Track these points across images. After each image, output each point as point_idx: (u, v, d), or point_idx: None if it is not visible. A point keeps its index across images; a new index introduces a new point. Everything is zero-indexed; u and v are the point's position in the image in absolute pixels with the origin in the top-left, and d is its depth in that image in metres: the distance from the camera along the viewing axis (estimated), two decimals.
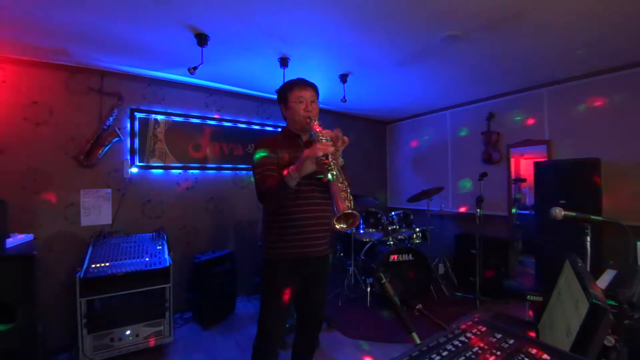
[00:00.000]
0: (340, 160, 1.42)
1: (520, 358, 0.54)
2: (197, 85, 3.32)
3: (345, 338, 2.68)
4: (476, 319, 0.69)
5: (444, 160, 4.41)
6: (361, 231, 3.56)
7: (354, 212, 1.20)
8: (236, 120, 3.65)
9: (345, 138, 1.39)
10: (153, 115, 3.08)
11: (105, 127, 2.78)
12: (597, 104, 2.99)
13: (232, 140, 3.60)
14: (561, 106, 3.24)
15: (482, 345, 0.59)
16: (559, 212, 1.55)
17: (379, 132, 5.33)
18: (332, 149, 1.30)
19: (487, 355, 0.55)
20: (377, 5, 1.89)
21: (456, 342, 0.60)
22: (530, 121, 3.49)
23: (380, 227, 3.56)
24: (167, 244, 2.68)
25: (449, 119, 4.37)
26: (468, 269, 3.55)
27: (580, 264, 1.14)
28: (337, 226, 1.23)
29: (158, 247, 2.60)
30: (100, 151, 2.74)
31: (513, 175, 3.76)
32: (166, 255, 2.52)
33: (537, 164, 3.12)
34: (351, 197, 1.27)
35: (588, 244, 1.61)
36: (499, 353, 0.56)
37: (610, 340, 0.77)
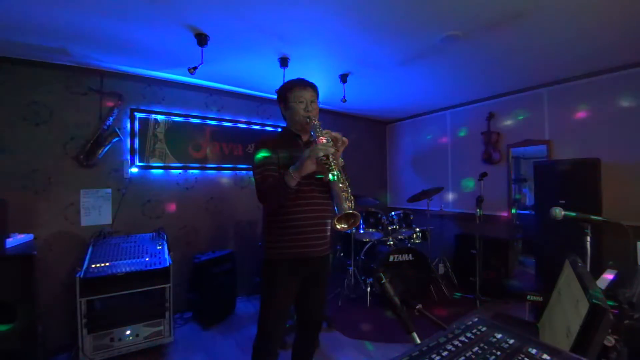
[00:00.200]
0: (341, 160, 1.42)
1: (520, 358, 0.54)
2: (197, 85, 3.32)
3: (345, 338, 2.69)
4: (476, 319, 0.69)
5: (444, 160, 4.41)
6: (361, 231, 3.56)
7: (355, 212, 1.21)
8: (236, 120, 3.65)
9: (345, 139, 1.39)
10: (153, 115, 3.08)
11: (105, 127, 2.78)
12: (597, 104, 2.99)
13: (232, 140, 3.60)
14: (561, 106, 3.24)
15: (482, 345, 0.59)
16: (559, 212, 1.55)
17: (379, 132, 5.33)
18: (332, 149, 1.30)
19: (487, 356, 0.55)
20: (377, 4, 1.89)
21: (456, 342, 0.60)
22: (531, 121, 3.49)
23: (380, 227, 3.56)
24: (167, 244, 2.68)
25: (449, 119, 4.37)
26: (468, 269, 3.55)
27: (580, 264, 1.14)
28: (338, 226, 1.23)
29: (158, 247, 2.60)
30: (100, 151, 2.74)
31: (513, 175, 3.76)
32: (166, 255, 2.52)
33: (537, 164, 3.12)
34: (352, 197, 1.27)
35: (588, 244, 1.61)
36: (499, 353, 0.56)
37: (610, 340, 0.77)
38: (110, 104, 2.83)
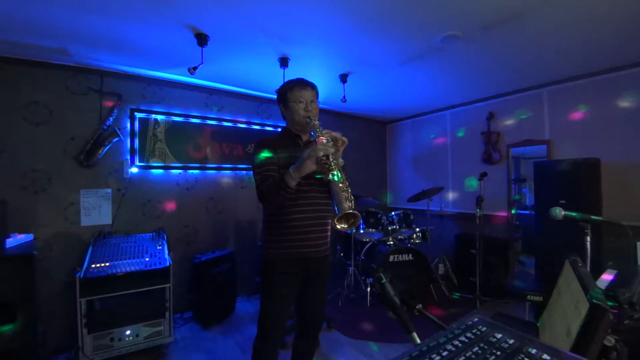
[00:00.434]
0: (341, 160, 1.42)
1: (520, 358, 0.54)
2: (197, 85, 3.32)
3: (345, 338, 2.69)
4: (476, 319, 0.69)
5: (444, 160, 4.41)
6: (361, 231, 3.56)
7: (355, 212, 1.21)
8: (236, 120, 3.65)
9: (345, 139, 1.39)
10: (153, 115, 3.08)
11: (105, 127, 2.78)
12: (597, 104, 2.99)
13: (232, 140, 3.60)
14: (561, 106, 3.24)
15: (482, 345, 0.59)
16: (559, 212, 1.55)
17: (379, 132, 5.33)
18: (332, 149, 1.30)
19: (487, 355, 0.55)
20: (377, 4, 1.89)
21: (456, 342, 0.60)
22: (531, 121, 3.49)
23: (380, 227, 3.56)
24: (167, 244, 2.68)
25: (449, 119, 4.37)
26: (468, 269, 3.55)
27: (580, 264, 1.14)
28: (338, 226, 1.23)
29: (158, 247, 2.60)
30: (100, 151, 2.74)
31: (513, 175, 3.76)
32: (166, 255, 2.52)
33: (537, 164, 3.12)
34: (352, 197, 1.27)
35: (588, 244, 1.61)
36: (499, 353, 0.56)
37: (610, 340, 0.77)
38: (110, 104, 2.83)
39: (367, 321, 2.96)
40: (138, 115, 2.99)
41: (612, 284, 1.33)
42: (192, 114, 3.33)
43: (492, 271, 3.42)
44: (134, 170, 2.97)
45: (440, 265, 4.00)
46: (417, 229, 3.72)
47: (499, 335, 0.62)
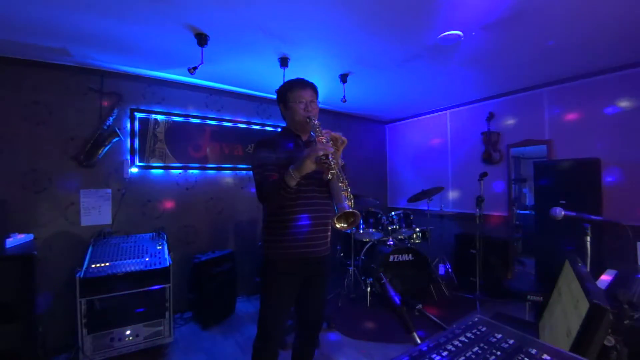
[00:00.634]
0: (340, 160, 1.42)
1: (520, 358, 0.54)
2: (197, 85, 3.32)
3: (345, 338, 2.68)
4: (476, 319, 0.69)
5: (444, 160, 4.41)
6: (361, 231, 3.56)
7: (354, 211, 1.21)
8: (236, 120, 3.65)
9: (345, 138, 1.39)
10: (153, 115, 3.08)
11: (105, 127, 2.78)
12: (597, 104, 2.99)
13: (232, 140, 3.60)
14: (561, 106, 3.24)
15: (482, 345, 0.59)
16: (559, 212, 1.55)
17: (379, 132, 5.33)
18: (332, 149, 1.30)
19: (487, 355, 0.55)
20: (377, 4, 1.89)
21: (456, 342, 0.60)
22: (531, 121, 3.49)
23: (380, 227, 3.56)
24: (167, 244, 2.68)
25: (449, 119, 4.37)
26: (468, 269, 3.55)
27: (580, 264, 1.14)
28: (338, 225, 1.23)
29: (158, 247, 2.60)
30: (100, 151, 2.74)
31: (513, 175, 3.76)
32: (166, 255, 2.52)
33: (537, 164, 3.12)
34: (352, 197, 1.27)
35: (588, 244, 1.61)
36: (499, 353, 0.56)
37: (610, 340, 0.77)
38: (110, 104, 2.83)
39: (367, 321, 2.96)
40: (138, 115, 2.99)
41: (612, 284, 1.33)
42: (192, 114, 3.33)
43: (492, 271, 3.42)
44: (134, 170, 2.97)
45: (441, 265, 4.00)
46: (417, 229, 3.72)
47: (499, 335, 0.62)
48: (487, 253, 3.43)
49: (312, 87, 1.55)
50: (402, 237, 3.69)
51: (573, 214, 1.56)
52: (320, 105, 1.66)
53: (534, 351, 0.55)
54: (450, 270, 3.94)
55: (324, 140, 1.33)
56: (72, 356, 2.30)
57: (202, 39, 2.24)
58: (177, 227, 3.19)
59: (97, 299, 2.20)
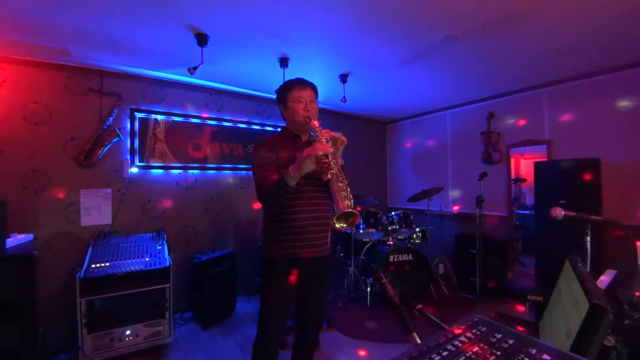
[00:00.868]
0: (340, 160, 1.42)
1: (520, 358, 0.54)
2: (197, 85, 3.32)
3: (345, 338, 2.68)
4: (476, 319, 0.69)
5: (444, 160, 4.41)
6: (361, 231, 3.56)
7: (354, 211, 1.21)
8: (236, 120, 3.65)
9: (344, 138, 1.39)
10: (153, 115, 3.08)
11: (105, 127, 2.78)
12: (597, 104, 2.99)
13: (232, 140, 3.60)
14: (561, 106, 3.24)
15: (482, 345, 0.59)
16: (559, 212, 1.55)
17: (379, 132, 5.33)
18: (332, 149, 1.30)
19: (487, 356, 0.55)
20: (377, 4, 1.89)
21: (456, 342, 0.60)
22: (531, 121, 3.49)
23: (380, 227, 3.56)
24: (167, 244, 2.68)
25: (449, 119, 4.37)
26: (468, 269, 3.55)
27: (580, 264, 1.14)
28: (337, 225, 1.23)
29: (158, 247, 2.60)
30: (100, 151, 2.74)
31: (513, 175, 3.76)
32: (166, 255, 2.52)
33: (537, 164, 3.12)
34: (351, 197, 1.27)
35: (588, 244, 1.61)
36: (499, 353, 0.56)
37: (610, 340, 0.77)
38: (110, 104, 2.83)
39: (367, 321, 2.96)
40: (138, 115, 2.99)
41: (612, 284, 1.33)
42: (192, 114, 3.33)
43: (492, 271, 3.42)
44: (134, 170, 2.97)
45: (440, 265, 4.00)
46: (417, 229, 3.72)
47: (499, 335, 0.62)
48: (487, 253, 3.43)
49: (312, 87, 1.55)
50: (402, 237, 3.69)
51: (573, 214, 1.56)
52: (320, 105, 1.67)
53: (534, 351, 0.55)
54: (450, 270, 3.94)
55: (323, 140, 1.33)
56: (72, 356, 2.30)
57: (202, 39, 2.24)
58: (177, 227, 3.19)
59: (97, 299, 2.21)
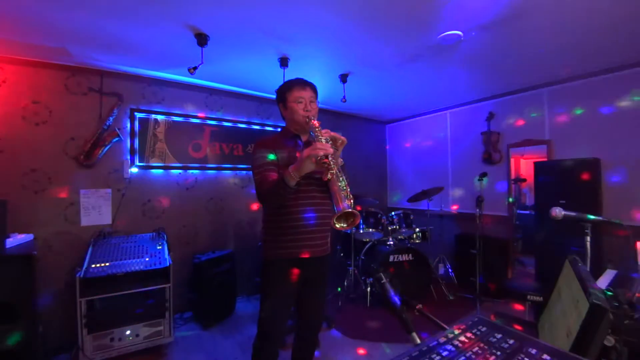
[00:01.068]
0: (340, 160, 1.42)
1: (520, 358, 0.54)
2: (197, 85, 3.32)
3: (345, 338, 2.68)
4: (476, 319, 0.69)
5: (444, 160, 4.41)
6: (361, 231, 3.56)
7: (353, 211, 1.21)
8: (236, 120, 3.65)
9: (344, 138, 1.39)
10: (153, 115, 3.08)
11: (105, 127, 2.78)
12: (598, 104, 2.99)
13: (232, 140, 3.60)
14: (561, 106, 3.24)
15: (482, 345, 0.59)
16: (559, 212, 1.55)
17: (379, 132, 5.33)
18: (332, 149, 1.30)
19: (487, 355, 0.55)
20: (377, 4, 1.89)
21: (456, 342, 0.60)
22: (530, 121, 3.49)
23: (380, 227, 3.56)
24: (167, 244, 2.68)
25: (449, 119, 4.37)
26: (468, 269, 3.55)
27: (580, 264, 1.14)
28: (337, 225, 1.23)
29: (158, 247, 2.60)
30: (100, 151, 2.74)
31: (513, 175, 3.76)
32: (166, 255, 2.52)
33: (537, 164, 3.12)
34: (351, 196, 1.27)
35: (588, 244, 1.61)
36: (499, 353, 0.56)
37: (610, 340, 0.77)
38: (110, 104, 2.83)
39: (367, 321, 2.96)
40: (138, 115, 2.99)
41: (612, 284, 1.33)
42: (192, 114, 3.33)
43: (492, 271, 3.42)
44: (134, 170, 2.97)
45: (440, 265, 4.01)
46: (417, 229, 3.72)
47: (499, 335, 0.62)
48: (487, 253, 3.43)
49: (312, 87, 1.55)
50: (402, 237, 3.69)
51: (573, 214, 1.56)
52: (320, 105, 1.67)
53: (534, 351, 0.55)
54: (450, 270, 3.94)
55: (323, 140, 1.33)
56: (72, 356, 2.30)
57: (202, 39, 2.24)
58: (177, 227, 3.19)
59: (97, 299, 2.21)
